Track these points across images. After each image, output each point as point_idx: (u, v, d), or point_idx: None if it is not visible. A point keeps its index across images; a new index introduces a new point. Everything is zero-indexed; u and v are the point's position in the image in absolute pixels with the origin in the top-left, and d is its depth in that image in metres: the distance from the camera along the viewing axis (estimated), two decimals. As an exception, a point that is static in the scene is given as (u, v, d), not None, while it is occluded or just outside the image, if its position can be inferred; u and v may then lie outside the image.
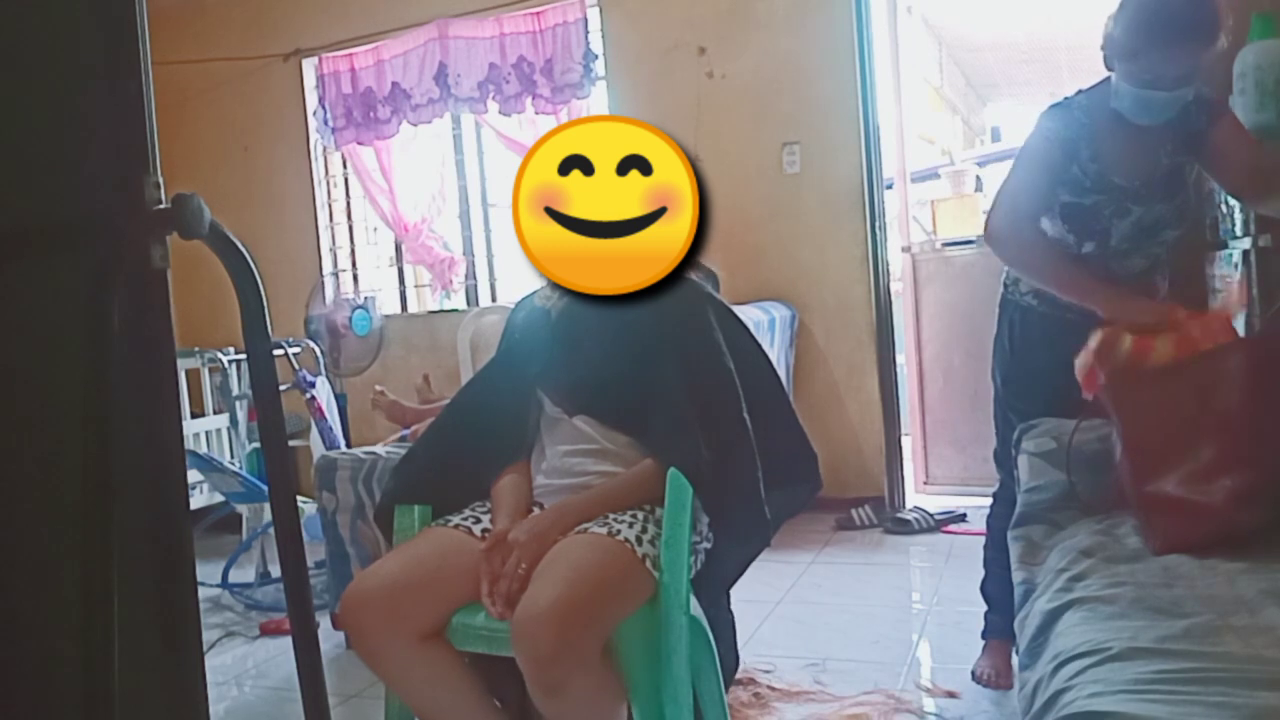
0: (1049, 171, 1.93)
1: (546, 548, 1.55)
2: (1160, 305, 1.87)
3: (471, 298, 4.75)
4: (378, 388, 3.12)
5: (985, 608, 2.32)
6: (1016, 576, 1.63)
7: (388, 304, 4.88)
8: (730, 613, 1.80)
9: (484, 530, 1.66)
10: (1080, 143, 1.91)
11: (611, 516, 1.60)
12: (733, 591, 1.86)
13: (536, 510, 1.69)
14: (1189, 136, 1.91)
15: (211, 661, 2.78)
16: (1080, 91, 1.99)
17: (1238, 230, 2.36)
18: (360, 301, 4.41)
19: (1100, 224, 1.93)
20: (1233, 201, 2.35)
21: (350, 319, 4.33)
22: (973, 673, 2.29)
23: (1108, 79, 1.93)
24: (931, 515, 3.69)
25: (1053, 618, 1.34)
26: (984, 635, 2.31)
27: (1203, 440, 1.54)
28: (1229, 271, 2.46)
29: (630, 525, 1.58)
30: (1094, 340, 1.74)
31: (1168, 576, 1.38)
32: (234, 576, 3.41)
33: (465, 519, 1.69)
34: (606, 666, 1.51)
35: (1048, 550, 1.63)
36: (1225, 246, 2.47)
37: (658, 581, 1.56)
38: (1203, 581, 1.35)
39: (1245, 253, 2.31)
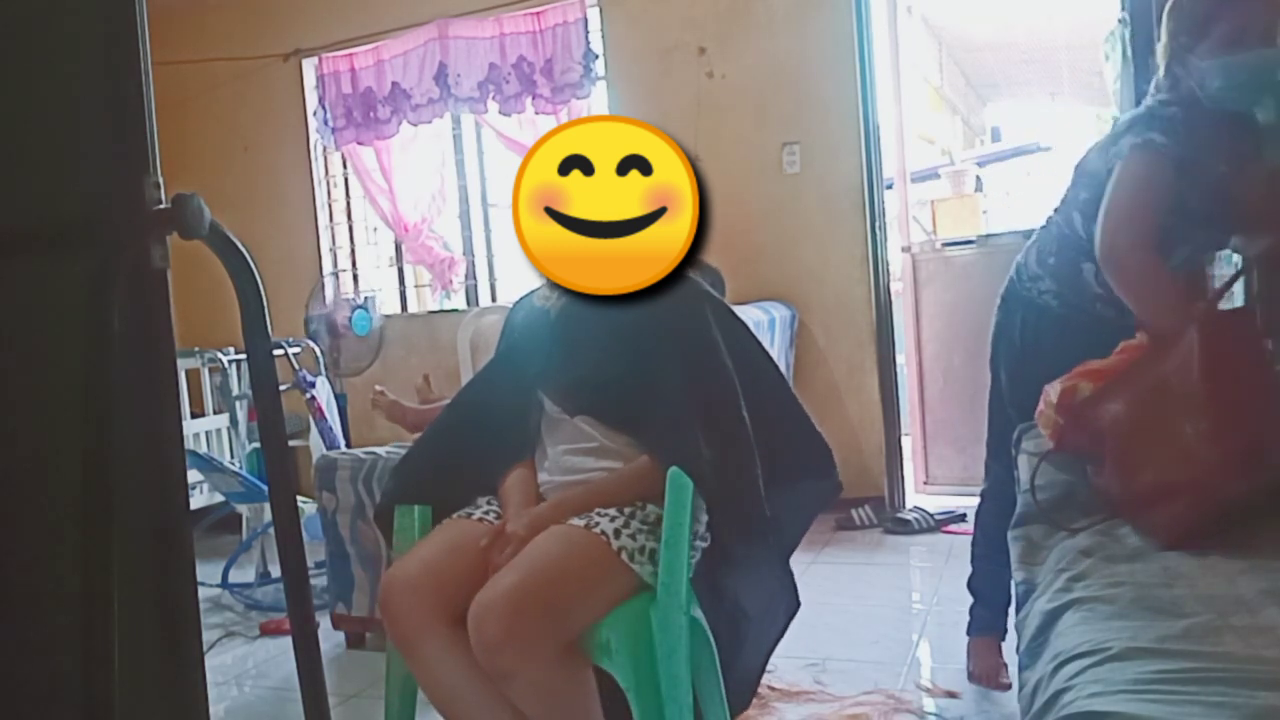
0: (1164, 193, 1.74)
1: None
2: None
3: (471, 298, 4.75)
4: (378, 388, 3.12)
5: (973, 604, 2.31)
6: (1016, 576, 1.63)
7: (388, 304, 4.88)
8: (790, 573, 1.81)
9: None
10: (1185, 165, 1.74)
11: (597, 510, 1.61)
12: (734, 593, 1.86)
13: (539, 508, 1.69)
14: (1241, 164, 1.78)
15: (211, 661, 2.78)
16: (1169, 105, 1.79)
17: (1237, 230, 2.35)
18: (360, 301, 4.41)
19: (1167, 245, 1.79)
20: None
21: (350, 319, 4.33)
22: (969, 673, 2.29)
23: (1191, 97, 1.77)
24: (931, 515, 3.70)
25: (1053, 618, 1.34)
26: (969, 632, 2.31)
27: (1179, 427, 1.53)
28: (1229, 271, 2.46)
29: (611, 519, 1.59)
30: (1054, 393, 1.68)
31: (1168, 576, 1.38)
32: (234, 576, 3.41)
33: (485, 513, 1.71)
34: (571, 663, 1.52)
35: (1048, 550, 1.63)
36: (1225, 246, 2.47)
37: (638, 576, 1.57)
38: (1203, 581, 1.35)
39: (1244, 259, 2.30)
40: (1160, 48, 1.81)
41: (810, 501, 1.86)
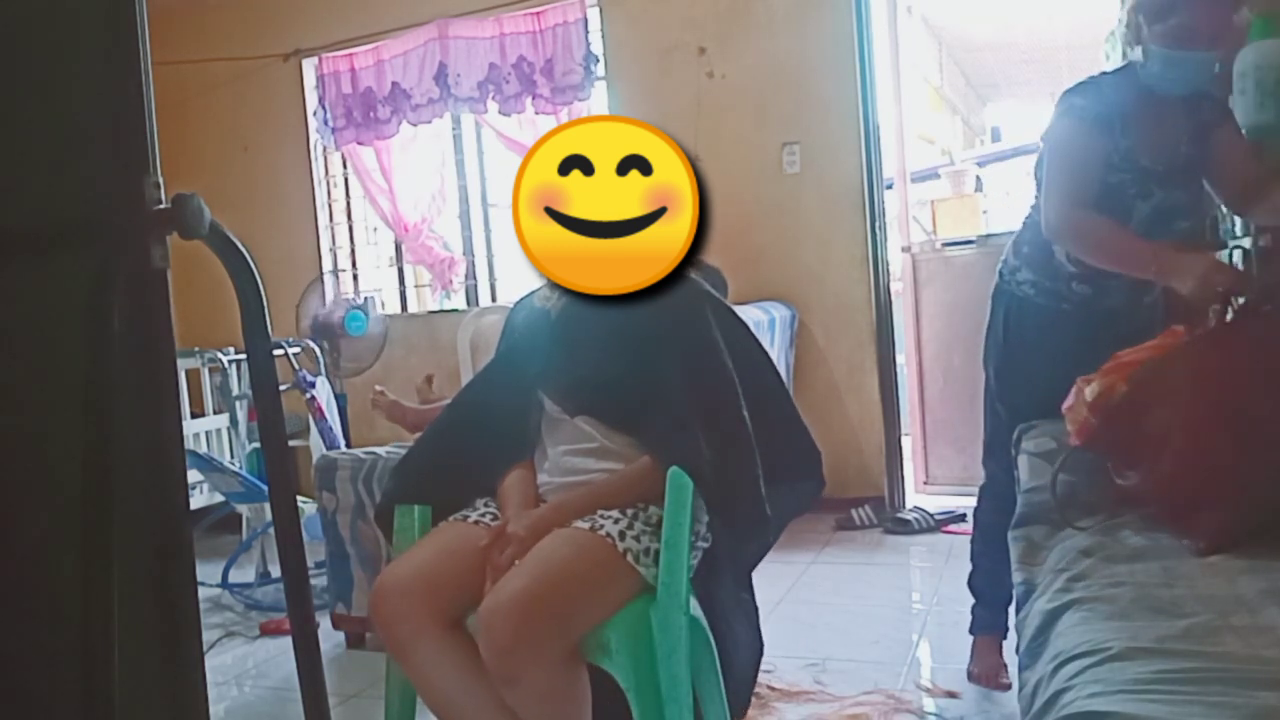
0: (1087, 149, 1.89)
1: None
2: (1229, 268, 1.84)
3: (471, 298, 4.75)
4: (378, 388, 3.11)
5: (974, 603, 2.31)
6: (1016, 577, 1.63)
7: (388, 304, 4.88)
8: (752, 597, 1.82)
9: None
10: (1112, 119, 1.88)
11: (600, 512, 1.61)
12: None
13: (540, 508, 1.69)
14: (1201, 128, 1.91)
15: (211, 661, 2.78)
16: (1104, 73, 1.99)
17: (1237, 230, 2.36)
18: (358, 301, 4.40)
19: (1122, 204, 1.90)
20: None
21: (344, 319, 4.32)
22: (969, 673, 2.29)
23: (1129, 64, 1.94)
24: (931, 515, 3.69)
25: (1053, 618, 1.34)
26: (972, 630, 2.31)
27: (1221, 430, 1.52)
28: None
29: (615, 521, 1.59)
30: (1090, 391, 1.69)
31: (1168, 576, 1.38)
32: (234, 576, 3.41)
33: (482, 515, 1.71)
34: (571, 668, 1.51)
35: (1048, 550, 1.63)
36: (1224, 246, 2.47)
37: (643, 578, 1.57)
38: (1203, 581, 1.35)
39: (1245, 252, 2.31)
40: (1122, 27, 1.96)
41: (795, 502, 1.86)
